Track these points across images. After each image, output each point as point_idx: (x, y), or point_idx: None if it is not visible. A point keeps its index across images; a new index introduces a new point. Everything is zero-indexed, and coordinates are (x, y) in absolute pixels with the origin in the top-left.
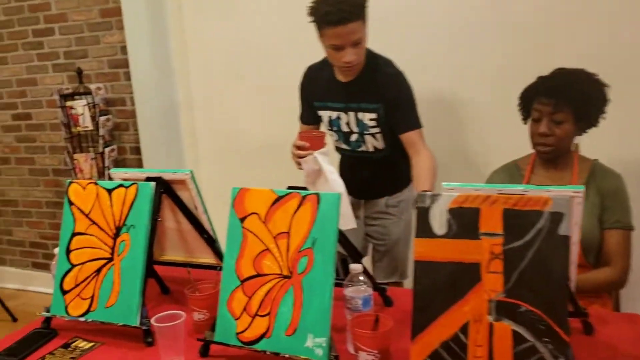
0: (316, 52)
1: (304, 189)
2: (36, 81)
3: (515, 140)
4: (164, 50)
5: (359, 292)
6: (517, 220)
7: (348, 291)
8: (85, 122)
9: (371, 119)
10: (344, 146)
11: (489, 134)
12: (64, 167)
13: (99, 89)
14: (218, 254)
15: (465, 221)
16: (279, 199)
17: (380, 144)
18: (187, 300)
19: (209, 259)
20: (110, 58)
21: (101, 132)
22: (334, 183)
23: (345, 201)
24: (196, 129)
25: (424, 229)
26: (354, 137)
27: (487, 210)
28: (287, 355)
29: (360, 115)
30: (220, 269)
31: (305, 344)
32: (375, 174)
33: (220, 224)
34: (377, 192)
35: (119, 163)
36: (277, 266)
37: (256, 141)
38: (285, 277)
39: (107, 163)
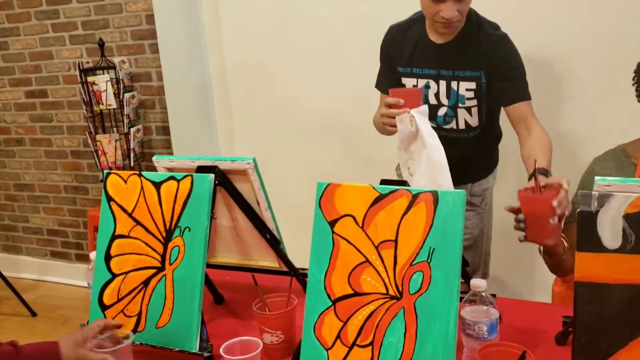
0: (376, 14)
1: (404, 182)
2: (52, 54)
3: (621, 121)
4: (194, 18)
5: (484, 315)
6: None
7: (467, 312)
8: (109, 100)
9: (468, 89)
10: None
11: (587, 113)
12: (84, 149)
13: (123, 62)
14: (283, 258)
15: None
16: (381, 197)
17: (474, 120)
18: (255, 317)
19: (269, 262)
20: (135, 28)
21: (126, 110)
22: (433, 149)
23: (447, 174)
24: (232, 106)
25: (590, 241)
26: (442, 111)
27: None
28: None
29: (455, 84)
30: (294, 275)
31: None
32: (461, 157)
33: None
34: (460, 178)
35: (144, 144)
36: (381, 283)
37: (303, 118)
38: (393, 297)
39: (132, 145)
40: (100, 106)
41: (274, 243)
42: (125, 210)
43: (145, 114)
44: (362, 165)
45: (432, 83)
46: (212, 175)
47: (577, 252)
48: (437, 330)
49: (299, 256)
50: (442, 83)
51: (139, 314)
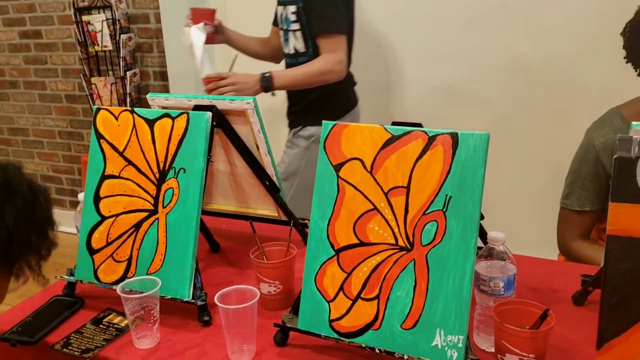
0: None
1: (419, 125)
2: None
3: None
4: None
5: (500, 270)
6: None
7: (482, 267)
8: (104, 41)
9: (292, 12)
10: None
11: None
12: (79, 93)
13: (119, 1)
14: (282, 206)
15: None
16: (393, 139)
17: (300, 44)
18: (252, 266)
19: (268, 210)
20: None
21: (122, 52)
22: (197, 60)
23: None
24: (233, 50)
25: (627, 190)
26: (282, 36)
27: None
28: (405, 357)
29: (284, 8)
30: (294, 224)
31: (431, 342)
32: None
33: None
34: (294, 119)
35: (141, 90)
36: (389, 233)
37: None
38: (403, 249)
39: (128, 89)
40: (96, 47)
41: (273, 190)
42: (116, 149)
43: (143, 57)
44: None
45: (281, 8)
46: (209, 113)
47: (612, 202)
48: (450, 286)
49: (298, 207)
50: (280, 8)
51: (129, 259)
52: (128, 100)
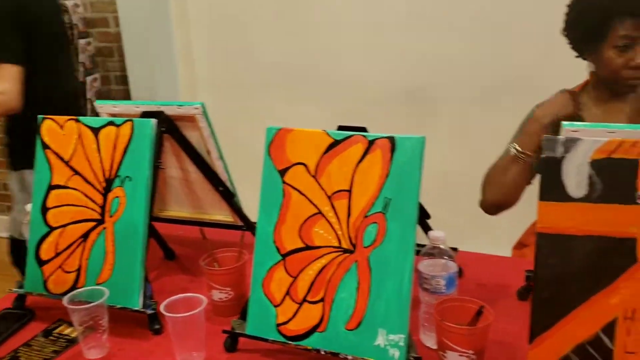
0: None
1: (364, 129)
2: None
3: None
4: None
5: (442, 268)
6: None
7: (425, 266)
8: None
9: None
10: None
11: None
12: None
13: (76, 5)
14: (237, 211)
15: (615, 179)
16: (335, 143)
17: None
18: (204, 273)
19: (223, 215)
20: None
21: (81, 58)
22: None
23: None
24: (194, 52)
25: (553, 189)
26: None
27: None
28: (349, 357)
29: None
30: (246, 229)
31: (374, 342)
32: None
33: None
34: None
35: (102, 95)
36: (334, 236)
37: (272, 67)
38: (346, 251)
39: (89, 95)
40: None
41: (227, 195)
42: (61, 159)
43: (104, 62)
44: (329, 118)
45: None
46: (154, 120)
47: (540, 201)
48: (391, 286)
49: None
50: None
51: (79, 270)
52: (89, 106)
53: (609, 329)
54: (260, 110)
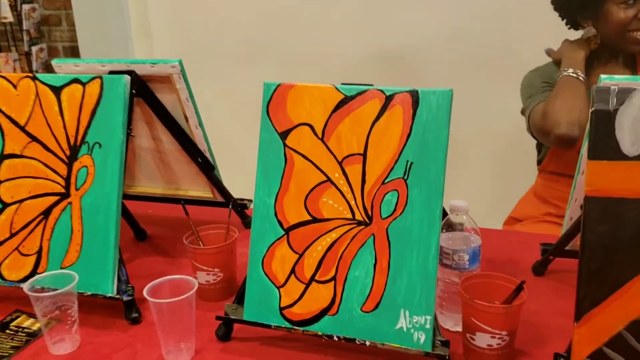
0: None
1: (370, 86)
2: None
3: None
4: None
5: (464, 241)
6: None
7: (444, 240)
8: (4, 12)
9: None
10: None
11: None
12: None
13: None
14: (218, 185)
15: None
16: (346, 100)
17: None
18: (187, 253)
19: (201, 191)
20: None
21: (25, 25)
22: None
23: None
24: (152, 29)
25: (605, 146)
26: None
27: None
28: (367, 343)
29: None
30: (234, 205)
31: (396, 325)
32: None
33: None
34: None
35: (49, 67)
36: (345, 207)
37: (240, 37)
38: (361, 223)
39: (35, 66)
40: None
41: (207, 168)
42: (16, 123)
43: (51, 31)
44: None
45: None
46: (127, 77)
47: (589, 160)
48: (414, 261)
49: (235, 188)
50: None
51: (39, 252)
52: None
53: None
54: (229, 91)
